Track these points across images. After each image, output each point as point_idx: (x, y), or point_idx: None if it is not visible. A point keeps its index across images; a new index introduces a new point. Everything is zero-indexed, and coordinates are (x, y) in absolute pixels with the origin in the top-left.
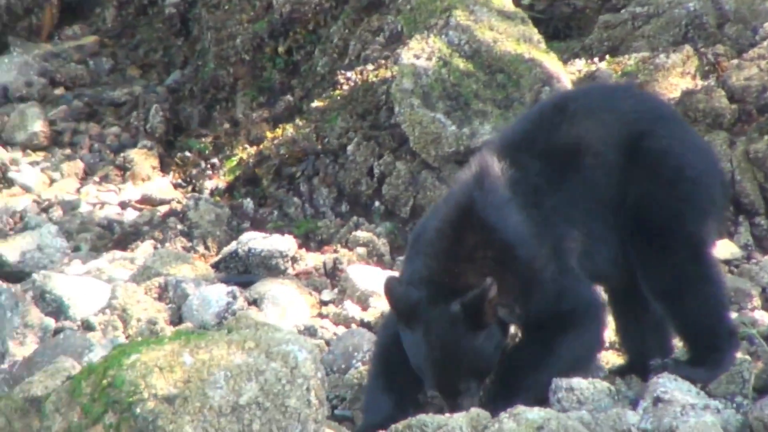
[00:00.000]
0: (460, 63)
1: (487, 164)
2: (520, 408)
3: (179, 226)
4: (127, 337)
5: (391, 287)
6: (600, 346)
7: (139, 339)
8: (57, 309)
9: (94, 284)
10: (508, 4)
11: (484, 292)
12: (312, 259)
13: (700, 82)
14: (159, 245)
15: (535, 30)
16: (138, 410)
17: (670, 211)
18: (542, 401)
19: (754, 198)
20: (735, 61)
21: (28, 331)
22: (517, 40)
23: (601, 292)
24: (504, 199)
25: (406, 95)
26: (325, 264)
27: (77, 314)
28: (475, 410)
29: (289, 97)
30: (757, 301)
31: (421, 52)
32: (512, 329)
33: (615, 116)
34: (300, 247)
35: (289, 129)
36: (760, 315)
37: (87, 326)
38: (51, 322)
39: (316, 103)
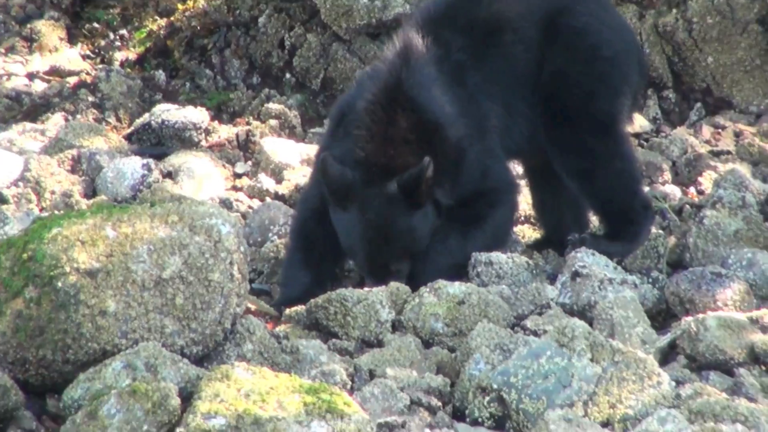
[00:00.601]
0: None
1: (411, 41)
2: (441, 282)
3: (90, 98)
4: (41, 210)
5: (326, 165)
6: (513, 221)
7: (55, 212)
8: None
9: (5, 156)
10: None
11: (422, 171)
12: (225, 132)
13: None
14: (70, 117)
15: None
16: (59, 284)
17: (582, 89)
18: (463, 275)
19: (662, 71)
20: None
21: None
22: None
23: (518, 167)
24: (430, 77)
25: None
26: (237, 136)
27: None
28: (395, 284)
29: None
30: (667, 175)
31: None
32: None
33: None
34: (212, 119)
35: (200, 1)
36: (671, 189)
37: (0, 199)
38: None
39: None
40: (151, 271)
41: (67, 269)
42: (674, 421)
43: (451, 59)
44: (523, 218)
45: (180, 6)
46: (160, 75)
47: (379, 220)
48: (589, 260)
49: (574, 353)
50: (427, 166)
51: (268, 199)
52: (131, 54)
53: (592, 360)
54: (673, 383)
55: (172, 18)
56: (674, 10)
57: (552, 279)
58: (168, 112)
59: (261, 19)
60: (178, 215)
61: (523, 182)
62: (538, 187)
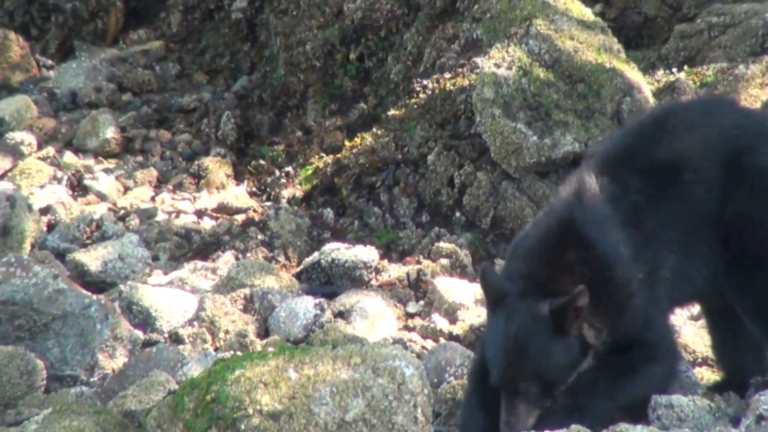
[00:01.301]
0: (541, 72)
1: (585, 181)
2: (623, 426)
3: (260, 236)
4: (215, 350)
5: (485, 273)
6: (672, 382)
7: (236, 353)
8: (144, 320)
9: (179, 295)
10: (588, 14)
11: (574, 297)
12: (395, 271)
13: None
14: (240, 255)
15: (615, 39)
16: (243, 426)
17: (764, 231)
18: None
19: None
20: None
21: (118, 344)
22: (598, 50)
23: (696, 308)
24: (604, 216)
25: (487, 105)
26: (408, 275)
27: (164, 326)
28: (575, 427)
29: (362, 104)
30: None
31: (501, 61)
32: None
33: (716, 131)
34: (382, 257)
35: (368, 138)
36: None
37: (176, 338)
38: (140, 335)
39: (392, 111)
40: (334, 414)
41: (251, 411)
42: None
43: (628, 200)
44: (700, 360)
45: (347, 143)
46: (329, 213)
47: (519, 334)
48: None
49: None
50: (579, 294)
51: (442, 340)
52: (297, 191)
53: None
54: None
55: (338, 155)
56: None
57: (735, 422)
58: (338, 251)
59: (430, 157)
60: (361, 357)
61: (698, 323)
62: (718, 328)
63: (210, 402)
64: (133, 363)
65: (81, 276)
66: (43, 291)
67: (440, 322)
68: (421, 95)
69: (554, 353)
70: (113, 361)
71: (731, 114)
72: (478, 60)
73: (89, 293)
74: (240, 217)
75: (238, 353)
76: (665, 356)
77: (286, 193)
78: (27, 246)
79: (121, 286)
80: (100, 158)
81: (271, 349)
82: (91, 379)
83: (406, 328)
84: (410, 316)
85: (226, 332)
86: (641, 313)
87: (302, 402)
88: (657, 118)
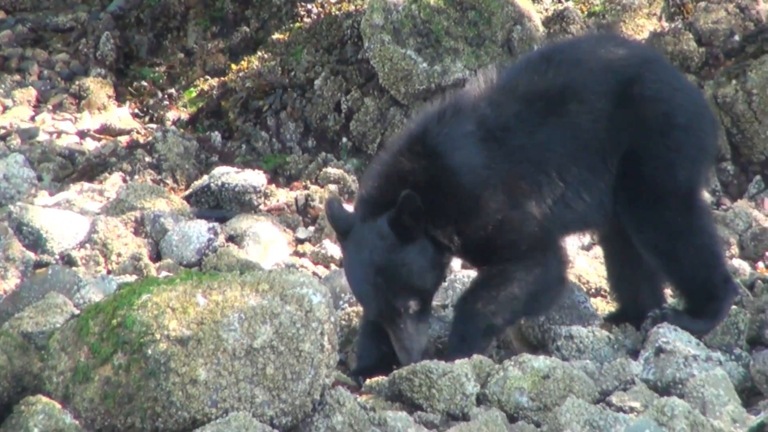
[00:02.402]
0: None
1: (454, 98)
2: (526, 356)
3: (147, 158)
4: (108, 272)
5: (329, 207)
6: (561, 281)
7: (135, 277)
8: (34, 242)
9: (70, 217)
10: None
11: (402, 202)
12: (282, 195)
13: (666, 24)
14: (128, 177)
15: None
16: (149, 351)
17: (660, 161)
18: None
19: (721, 143)
20: (702, 4)
21: (10, 265)
22: None
23: (588, 238)
24: (461, 130)
25: (377, 30)
26: (296, 200)
27: (55, 248)
28: (477, 357)
29: (244, 28)
30: (735, 249)
31: None
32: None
33: (602, 64)
34: (269, 182)
35: (254, 61)
36: (739, 263)
37: (68, 260)
38: (32, 256)
39: (277, 35)
40: (242, 340)
41: (158, 336)
42: None
43: (498, 120)
44: (594, 290)
45: (233, 66)
46: (216, 136)
47: (372, 258)
48: (671, 336)
49: None
50: (405, 199)
51: (333, 266)
52: (182, 113)
53: None
54: None
55: (224, 78)
56: (734, 81)
57: (632, 354)
58: (227, 175)
59: (317, 82)
60: (269, 284)
61: (590, 253)
62: (615, 260)
63: (116, 326)
64: (27, 284)
65: None
66: None
67: (331, 248)
68: (306, 19)
69: (410, 261)
70: (5, 282)
71: (616, 47)
72: None
73: None
74: (124, 139)
75: (136, 277)
76: (538, 256)
77: (171, 115)
78: None
79: (11, 207)
80: None
81: (165, 273)
82: None
83: (297, 253)
84: (300, 241)
85: (119, 255)
86: (496, 216)
87: (210, 328)
88: (544, 54)
